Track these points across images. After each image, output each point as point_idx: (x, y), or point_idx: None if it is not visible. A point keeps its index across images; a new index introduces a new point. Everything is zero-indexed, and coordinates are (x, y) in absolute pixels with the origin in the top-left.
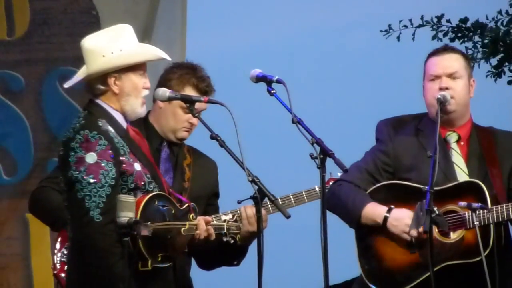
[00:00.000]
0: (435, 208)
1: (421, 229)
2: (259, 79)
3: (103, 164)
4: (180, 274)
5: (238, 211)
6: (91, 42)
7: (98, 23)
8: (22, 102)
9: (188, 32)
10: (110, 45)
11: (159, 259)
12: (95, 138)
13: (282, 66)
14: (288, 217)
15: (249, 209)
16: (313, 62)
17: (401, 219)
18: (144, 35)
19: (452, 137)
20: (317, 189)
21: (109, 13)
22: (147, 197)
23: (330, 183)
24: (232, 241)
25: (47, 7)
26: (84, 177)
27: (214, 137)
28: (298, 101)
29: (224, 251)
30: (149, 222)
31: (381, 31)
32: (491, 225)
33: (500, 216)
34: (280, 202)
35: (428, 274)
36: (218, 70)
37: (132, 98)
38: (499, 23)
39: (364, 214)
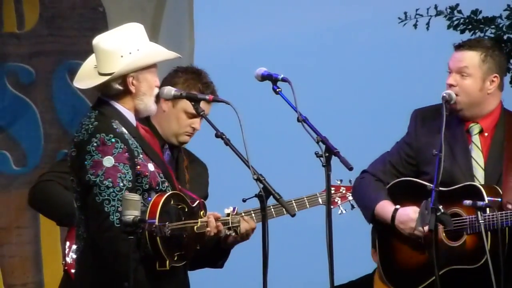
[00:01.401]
0: (440, 207)
1: (426, 228)
2: (264, 77)
3: (120, 168)
4: None
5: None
6: (106, 43)
7: (105, 19)
8: (33, 94)
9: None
10: (126, 45)
11: (176, 258)
12: (112, 141)
13: (288, 64)
14: (293, 215)
15: (245, 224)
16: (318, 59)
17: (406, 222)
18: (152, 31)
19: (474, 129)
20: (319, 197)
21: (116, 9)
22: (164, 197)
23: (341, 189)
24: (233, 234)
25: (56, 1)
26: (103, 181)
27: (219, 135)
28: (304, 99)
29: (209, 252)
30: (167, 222)
31: (399, 18)
32: (489, 232)
33: (499, 223)
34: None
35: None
36: (223, 68)
37: (147, 97)
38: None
39: (376, 212)
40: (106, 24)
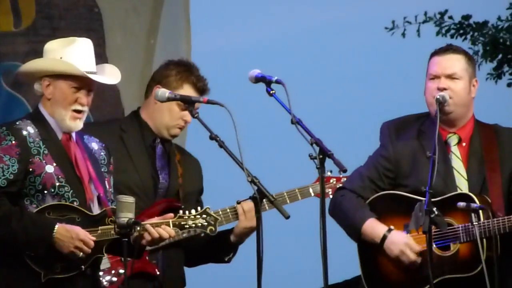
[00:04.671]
0: (434, 208)
1: (420, 229)
2: (258, 79)
3: (5, 159)
4: (171, 270)
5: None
6: (47, 44)
7: (101, 20)
8: (30, 94)
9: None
10: (58, 50)
11: (58, 270)
12: (4, 134)
13: (282, 65)
14: (287, 217)
15: (246, 205)
16: (312, 61)
17: (397, 243)
18: (150, 33)
19: (453, 140)
20: (310, 188)
21: (111, 10)
22: (38, 209)
23: (331, 181)
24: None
25: (52, 1)
26: None
27: (213, 137)
28: (297, 101)
29: (214, 247)
30: None
31: (386, 28)
32: (484, 240)
33: (489, 230)
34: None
35: (427, 286)
36: (218, 70)
37: (60, 109)
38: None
39: (364, 231)
40: (101, 25)
